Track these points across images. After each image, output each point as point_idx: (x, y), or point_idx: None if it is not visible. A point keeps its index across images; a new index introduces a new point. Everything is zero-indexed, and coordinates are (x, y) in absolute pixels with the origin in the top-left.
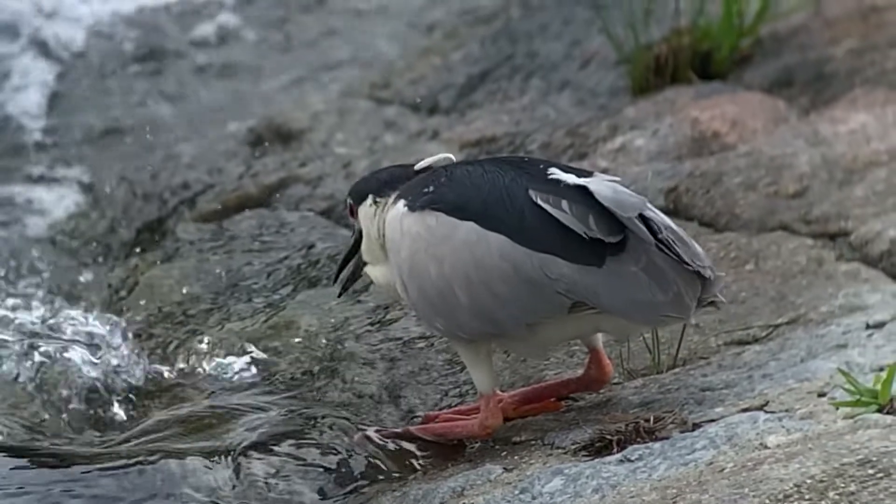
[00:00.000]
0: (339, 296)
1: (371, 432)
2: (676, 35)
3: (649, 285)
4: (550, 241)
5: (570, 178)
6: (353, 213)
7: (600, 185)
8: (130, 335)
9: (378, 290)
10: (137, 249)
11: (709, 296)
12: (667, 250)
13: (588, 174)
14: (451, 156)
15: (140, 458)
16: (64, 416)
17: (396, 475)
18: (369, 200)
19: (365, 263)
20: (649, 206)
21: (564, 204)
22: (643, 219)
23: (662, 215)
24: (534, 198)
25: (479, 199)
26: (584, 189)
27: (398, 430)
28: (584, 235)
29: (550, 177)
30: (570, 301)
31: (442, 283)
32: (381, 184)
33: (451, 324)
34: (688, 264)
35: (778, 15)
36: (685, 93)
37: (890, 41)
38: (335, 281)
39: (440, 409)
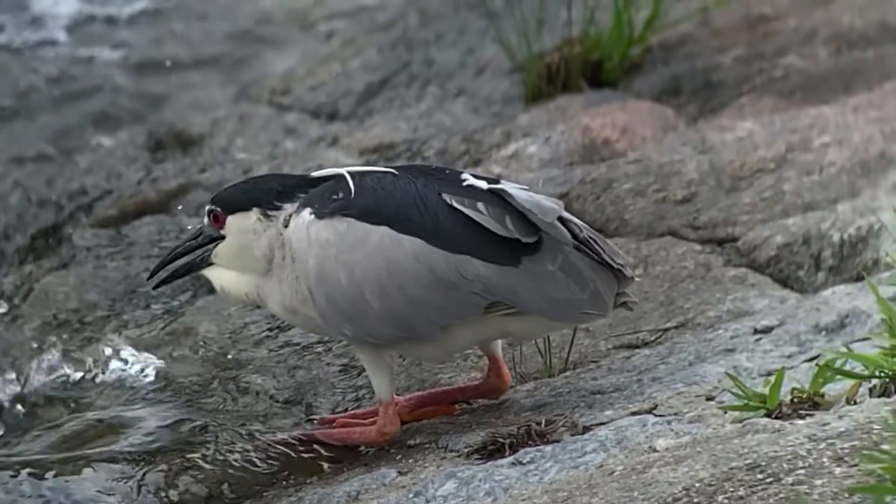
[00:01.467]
0: (156, 287)
1: (268, 437)
2: (568, 44)
3: (567, 284)
4: (466, 243)
5: (482, 184)
6: (219, 221)
7: (516, 190)
8: (25, 343)
9: (223, 295)
10: (32, 256)
11: (622, 296)
12: (588, 250)
13: (496, 181)
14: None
15: (34, 467)
16: None
17: (293, 480)
18: (255, 213)
19: (209, 265)
20: (564, 210)
21: (480, 206)
22: (561, 221)
23: (576, 218)
24: (448, 200)
25: (392, 204)
26: (496, 194)
27: (296, 435)
28: (503, 234)
29: (463, 182)
30: (486, 302)
31: (352, 289)
32: (271, 195)
33: (359, 330)
34: (609, 263)
35: (667, 24)
36: (576, 101)
37: (777, 50)
38: (152, 275)
39: (337, 414)
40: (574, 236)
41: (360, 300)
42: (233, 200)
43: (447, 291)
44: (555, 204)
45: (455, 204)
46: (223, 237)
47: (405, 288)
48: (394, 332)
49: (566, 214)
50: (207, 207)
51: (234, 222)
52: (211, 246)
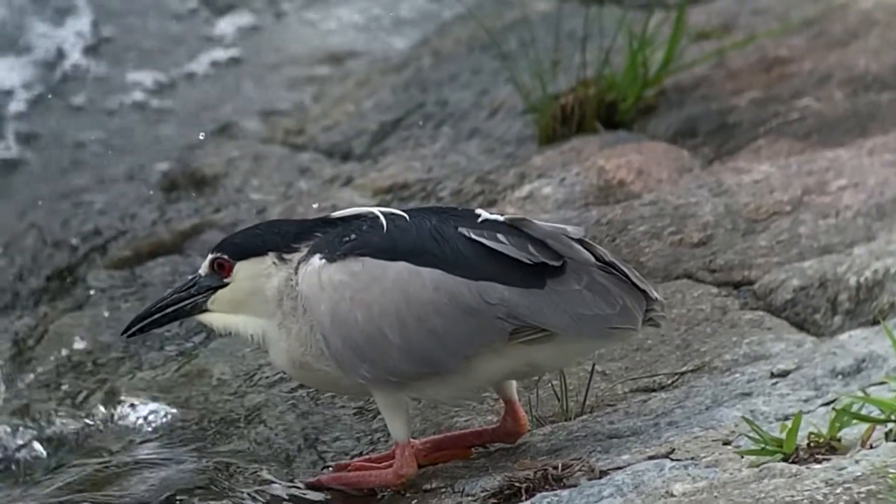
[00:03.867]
0: (129, 336)
1: (283, 483)
2: (583, 85)
3: (594, 300)
4: (487, 270)
5: (498, 217)
6: (226, 269)
7: (535, 220)
8: (39, 385)
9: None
10: (47, 297)
11: (650, 312)
12: (615, 271)
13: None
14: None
15: None
16: None
17: None
18: (270, 257)
19: (203, 311)
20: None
21: (500, 237)
22: (585, 246)
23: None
24: (467, 234)
25: (409, 240)
26: (514, 226)
27: (310, 481)
28: (528, 261)
29: (478, 218)
30: (511, 326)
31: (370, 327)
32: (288, 237)
33: (378, 369)
34: (635, 284)
35: (682, 66)
36: (591, 142)
37: (792, 92)
38: (129, 328)
39: (352, 458)
40: (599, 259)
41: (378, 338)
42: (244, 246)
43: (470, 319)
44: (576, 229)
45: (474, 236)
46: (224, 285)
47: (425, 320)
48: (415, 367)
49: (589, 241)
50: (211, 256)
51: (244, 269)
52: (206, 294)
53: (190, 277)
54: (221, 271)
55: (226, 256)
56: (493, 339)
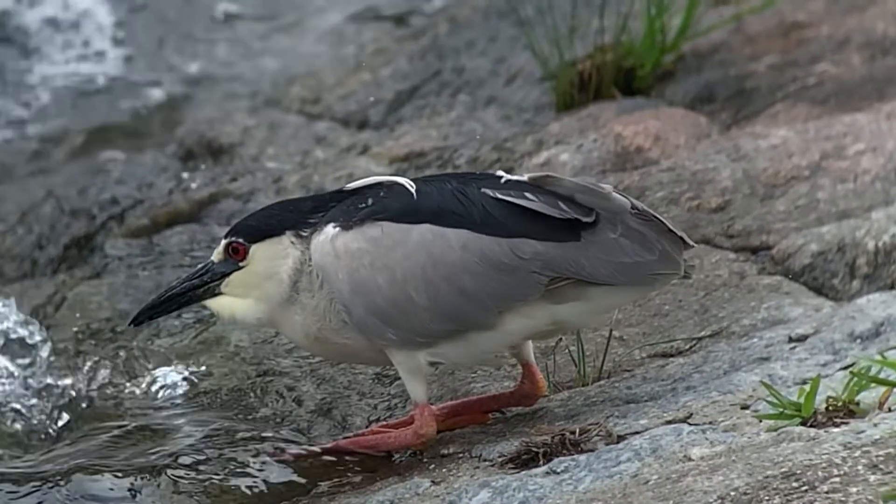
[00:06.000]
0: (137, 325)
1: (300, 447)
2: (600, 52)
3: (633, 248)
4: (518, 227)
5: (523, 177)
6: (241, 253)
7: (560, 176)
8: (58, 352)
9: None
10: (65, 265)
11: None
12: (648, 217)
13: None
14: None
15: (68, 475)
16: None
17: (326, 490)
18: (287, 237)
19: (215, 295)
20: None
21: (528, 195)
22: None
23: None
24: (492, 194)
25: (431, 202)
26: (539, 185)
27: (328, 445)
28: (560, 216)
29: (501, 179)
30: (547, 279)
31: (395, 291)
32: (303, 214)
33: (404, 332)
34: (671, 229)
35: (699, 31)
36: (609, 108)
37: (810, 57)
38: (138, 317)
39: (370, 423)
40: (632, 206)
41: (404, 302)
42: (260, 228)
43: (502, 275)
44: (608, 186)
45: (500, 196)
46: (239, 269)
47: (454, 280)
48: (444, 325)
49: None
50: (226, 241)
51: (260, 250)
52: (220, 280)
53: (202, 265)
54: (236, 255)
55: (241, 240)
56: (529, 291)
